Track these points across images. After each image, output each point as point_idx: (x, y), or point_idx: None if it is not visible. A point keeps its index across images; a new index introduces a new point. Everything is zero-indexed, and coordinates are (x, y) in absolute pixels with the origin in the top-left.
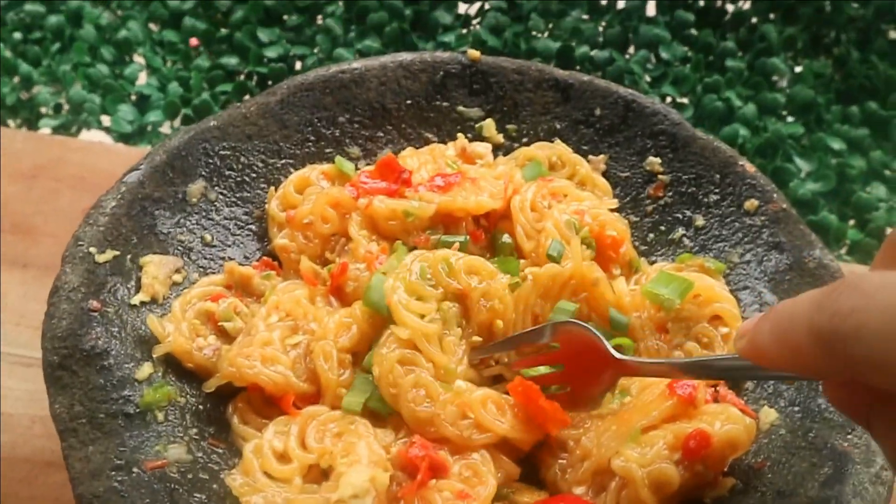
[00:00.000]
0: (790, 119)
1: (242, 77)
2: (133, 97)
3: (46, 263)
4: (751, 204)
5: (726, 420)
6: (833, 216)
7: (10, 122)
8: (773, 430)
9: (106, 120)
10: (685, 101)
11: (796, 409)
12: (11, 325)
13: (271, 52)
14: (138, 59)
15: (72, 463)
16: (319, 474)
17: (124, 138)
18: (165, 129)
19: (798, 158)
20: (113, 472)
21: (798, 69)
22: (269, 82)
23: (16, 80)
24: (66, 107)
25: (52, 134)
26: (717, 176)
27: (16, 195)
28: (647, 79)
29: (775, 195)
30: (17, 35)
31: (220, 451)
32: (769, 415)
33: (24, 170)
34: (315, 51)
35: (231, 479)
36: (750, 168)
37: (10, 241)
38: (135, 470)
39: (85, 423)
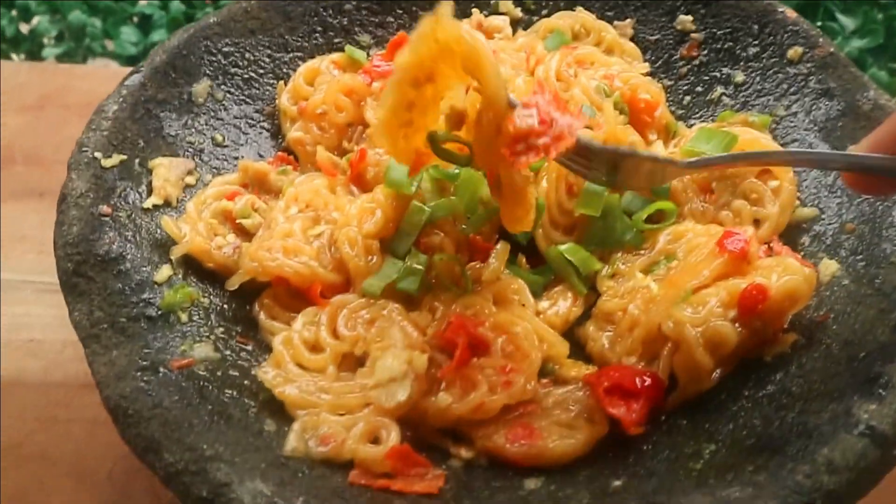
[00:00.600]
0: None
1: None
2: (135, 19)
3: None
4: (794, 52)
5: (784, 272)
6: (883, 73)
7: (14, 56)
8: (834, 282)
9: (110, 45)
10: None
11: (859, 257)
12: (34, 254)
13: None
14: None
15: (97, 368)
16: (353, 362)
17: (130, 61)
18: None
19: (841, 15)
20: (139, 373)
21: None
22: None
23: (13, 12)
24: (67, 34)
25: (56, 63)
26: (756, 27)
27: (25, 127)
28: None
29: (821, 40)
30: None
31: (249, 348)
32: (830, 266)
33: (31, 101)
34: None
35: (262, 373)
36: (791, 14)
37: (24, 172)
38: (161, 370)
39: (106, 328)
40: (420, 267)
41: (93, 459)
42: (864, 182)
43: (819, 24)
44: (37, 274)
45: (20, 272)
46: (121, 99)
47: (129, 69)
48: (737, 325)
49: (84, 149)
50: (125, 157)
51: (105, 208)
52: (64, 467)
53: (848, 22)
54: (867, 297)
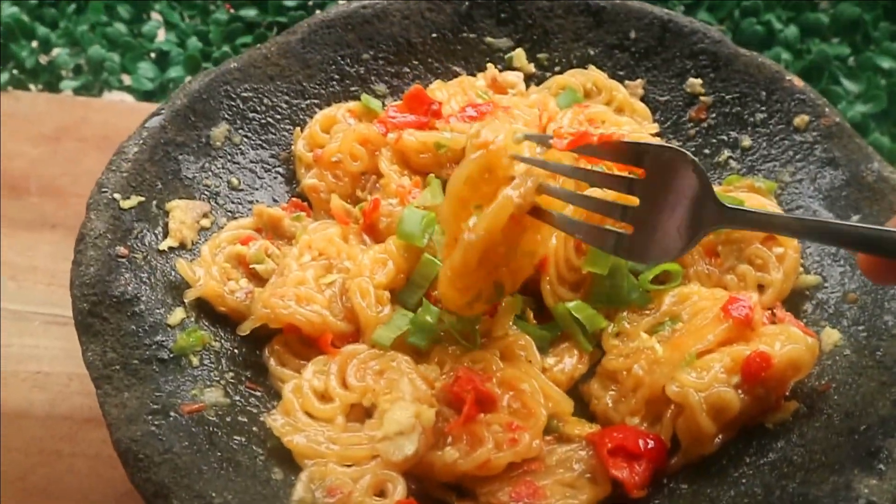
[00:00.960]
0: (835, 39)
1: (262, 28)
2: (152, 54)
3: (75, 224)
4: (801, 120)
5: (787, 340)
6: (885, 138)
7: (32, 87)
8: (836, 352)
9: (127, 79)
10: (722, 27)
11: (861, 328)
12: (44, 286)
13: (291, 1)
14: (156, 15)
15: (108, 410)
16: (362, 413)
17: (146, 96)
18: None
19: (845, 80)
20: (150, 417)
21: None
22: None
23: (34, 43)
24: (85, 67)
25: (73, 95)
26: (763, 93)
27: (41, 158)
28: (682, 7)
29: (827, 109)
30: None
31: (259, 394)
32: (832, 335)
33: (47, 132)
34: None
35: (272, 420)
36: (798, 83)
37: (38, 203)
38: (172, 414)
39: (119, 369)
40: (431, 321)
41: (95, 495)
42: (882, 268)
43: (823, 87)
44: (46, 306)
45: (30, 303)
46: (141, 140)
47: (145, 104)
48: (740, 391)
49: (104, 189)
50: (143, 198)
51: (122, 249)
52: (66, 503)
53: (852, 87)
54: (868, 369)
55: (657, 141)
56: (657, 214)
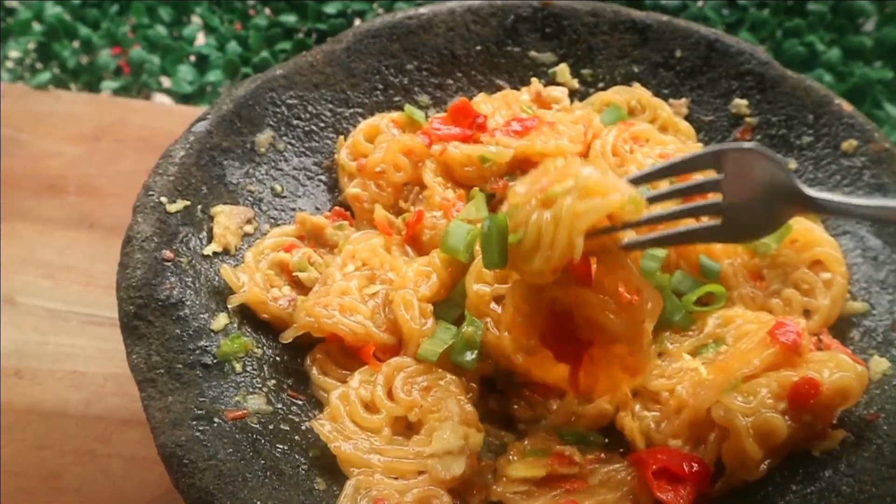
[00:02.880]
0: (878, 63)
1: (301, 34)
2: (192, 58)
3: (112, 224)
4: (849, 144)
5: (835, 368)
6: None
7: (72, 86)
8: (885, 381)
9: (166, 81)
10: (764, 48)
11: None
12: (81, 286)
13: (330, 8)
14: (196, 19)
15: (152, 413)
16: (404, 427)
17: (184, 99)
18: (225, 89)
19: (888, 104)
20: (194, 422)
21: (886, 10)
22: (329, 39)
23: (76, 43)
24: (126, 69)
25: (113, 96)
26: (811, 116)
27: (80, 157)
28: (723, 26)
29: (876, 135)
30: None
31: (300, 402)
32: (880, 364)
33: (86, 132)
34: (374, 6)
35: (319, 425)
36: (847, 107)
37: (76, 203)
38: (216, 420)
39: (163, 373)
40: (478, 339)
41: (129, 497)
42: None
43: (866, 111)
44: (83, 305)
45: (67, 302)
46: (188, 145)
47: (183, 107)
48: (787, 417)
49: (150, 192)
50: (189, 202)
51: (168, 253)
52: (100, 503)
53: (895, 111)
54: None
55: None
56: (742, 206)
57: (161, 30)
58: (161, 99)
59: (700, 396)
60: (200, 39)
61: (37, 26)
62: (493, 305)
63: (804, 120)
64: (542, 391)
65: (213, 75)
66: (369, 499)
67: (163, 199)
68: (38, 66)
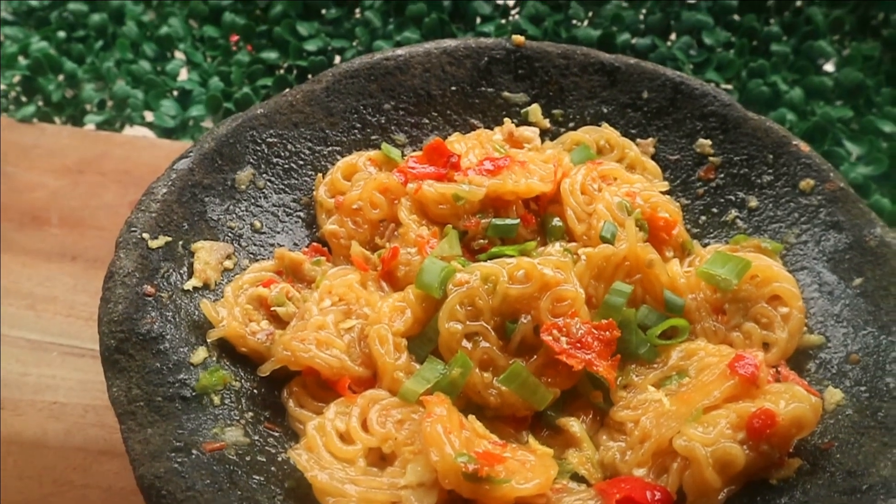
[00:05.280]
0: (838, 102)
1: (282, 71)
2: (175, 93)
3: (94, 256)
4: (806, 184)
5: (791, 399)
6: (886, 200)
7: (56, 119)
8: (839, 411)
9: (149, 115)
10: (730, 87)
11: (863, 388)
12: (62, 317)
13: (311, 46)
14: (179, 55)
15: (131, 445)
16: (378, 458)
17: (167, 133)
18: (207, 123)
19: (848, 142)
20: (173, 454)
21: (845, 52)
22: (309, 76)
23: (60, 77)
24: (109, 103)
25: (96, 130)
26: (771, 156)
27: (62, 190)
28: (691, 65)
29: (832, 174)
30: (62, 33)
31: (276, 434)
32: (834, 395)
33: (70, 165)
34: (354, 43)
35: (297, 455)
36: (804, 148)
37: (59, 235)
38: (194, 452)
39: (143, 405)
40: (463, 381)
41: None
42: None
43: (826, 149)
44: (65, 336)
45: (49, 334)
46: (170, 182)
47: (166, 141)
48: (745, 447)
49: (133, 229)
50: (170, 238)
51: (149, 288)
52: None
53: (854, 149)
54: (870, 430)
55: (667, 198)
56: None
57: (145, 65)
58: (144, 133)
59: (663, 427)
60: (183, 75)
61: (22, 60)
62: (464, 342)
63: (764, 159)
64: (514, 424)
65: (196, 110)
66: None
67: (145, 235)
68: (23, 99)
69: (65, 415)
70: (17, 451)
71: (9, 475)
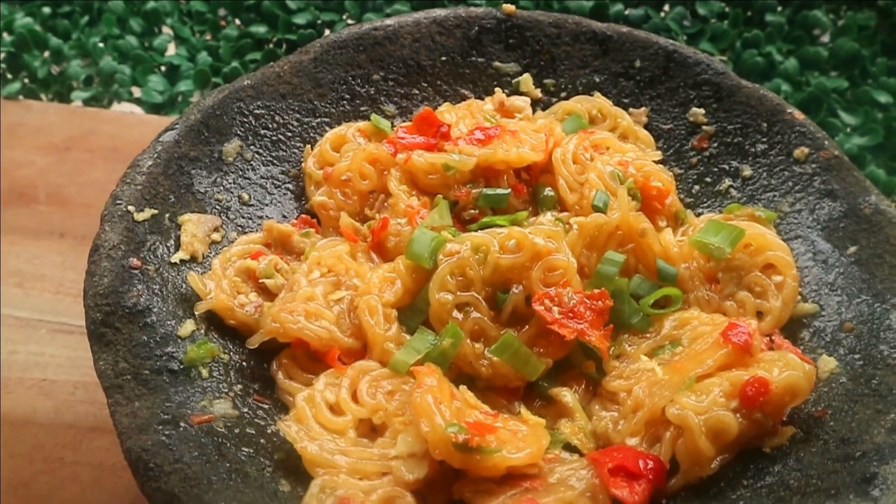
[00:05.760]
0: (833, 73)
1: (272, 45)
2: (163, 68)
3: (82, 233)
4: (801, 152)
5: (785, 367)
6: (881, 171)
7: (43, 96)
8: (832, 379)
9: (137, 91)
10: (724, 57)
11: (857, 356)
12: (51, 294)
13: (300, 19)
14: (167, 30)
15: (118, 419)
16: (368, 430)
17: (155, 109)
18: (196, 98)
19: (843, 113)
20: (160, 427)
21: (841, 22)
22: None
23: (46, 54)
24: (96, 79)
25: (83, 106)
26: (765, 125)
27: (50, 167)
28: (684, 36)
29: (826, 142)
30: (46, 9)
31: (266, 406)
32: (828, 363)
33: (57, 142)
34: (344, 17)
35: (285, 426)
36: (799, 116)
37: (46, 212)
38: (182, 424)
39: (130, 379)
40: (454, 352)
41: None
42: None
43: (821, 119)
44: (53, 314)
45: (37, 311)
46: (155, 154)
47: (154, 116)
48: (738, 415)
49: (118, 202)
50: (156, 211)
51: (135, 261)
52: None
53: (849, 119)
54: (864, 397)
55: (660, 168)
56: None
57: (132, 40)
58: (132, 109)
59: (656, 396)
60: (171, 50)
61: (7, 37)
62: (455, 313)
63: (758, 128)
64: (507, 395)
65: (184, 85)
66: (334, 498)
67: (130, 207)
68: (9, 76)
69: (54, 392)
70: (6, 429)
71: None
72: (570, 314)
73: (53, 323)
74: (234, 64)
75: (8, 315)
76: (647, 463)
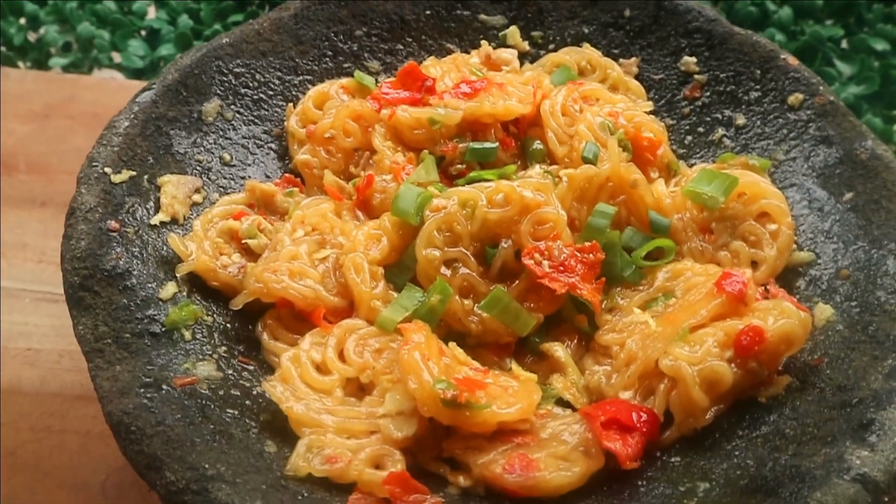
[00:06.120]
0: (829, 21)
1: (254, 6)
2: (143, 32)
3: (64, 201)
4: (795, 98)
5: (780, 315)
6: (878, 119)
7: (20, 64)
8: (829, 327)
9: (117, 57)
10: (717, 8)
11: (853, 303)
12: (34, 263)
13: None
14: None
15: (100, 383)
16: (356, 389)
17: (136, 74)
18: None
19: (839, 62)
20: (142, 390)
21: None
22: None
23: (22, 20)
24: (75, 45)
25: (63, 73)
26: (758, 72)
27: (30, 135)
28: None
29: (821, 88)
30: None
31: (251, 368)
32: (824, 311)
33: (36, 110)
34: None
35: (270, 386)
36: (793, 61)
37: (27, 181)
38: (164, 387)
39: (110, 343)
40: (442, 309)
41: (86, 472)
42: None
43: (816, 68)
44: (36, 283)
45: (20, 280)
46: (132, 115)
47: (136, 82)
48: (733, 365)
49: (94, 163)
50: (134, 173)
51: (113, 223)
52: (56, 478)
53: (845, 68)
54: (861, 344)
55: (651, 118)
56: None
57: (110, 5)
58: (112, 75)
59: (649, 349)
60: (151, 14)
61: None
62: (443, 269)
63: (752, 75)
64: (497, 352)
65: (165, 49)
66: (322, 457)
67: (107, 169)
68: None
69: (39, 361)
70: None
71: None
72: (561, 268)
73: (37, 292)
74: (217, 26)
75: None
76: (641, 416)
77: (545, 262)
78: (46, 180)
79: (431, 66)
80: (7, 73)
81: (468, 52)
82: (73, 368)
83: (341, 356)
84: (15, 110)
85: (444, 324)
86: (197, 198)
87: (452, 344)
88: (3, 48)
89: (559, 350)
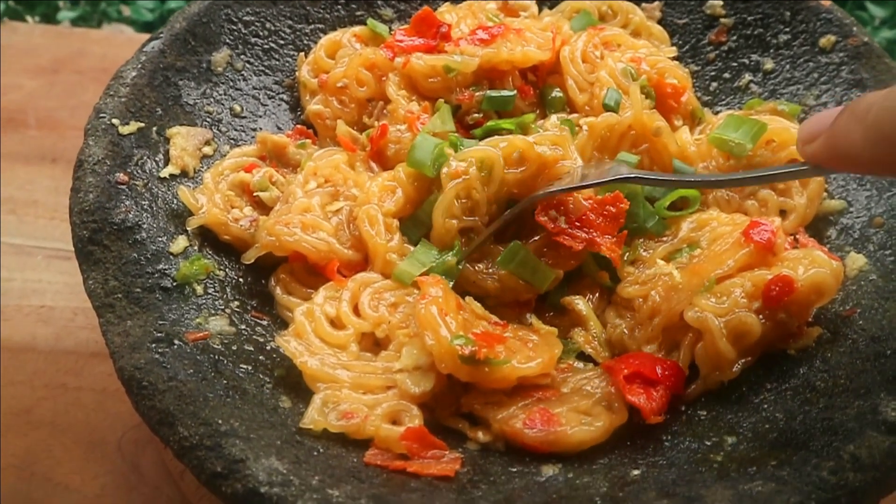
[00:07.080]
0: None
1: None
2: None
3: (75, 157)
4: (827, 41)
5: (811, 264)
6: None
7: (28, 18)
8: (861, 276)
9: (126, 10)
10: None
11: (888, 252)
12: (46, 220)
13: None
14: None
15: (111, 338)
16: (371, 344)
17: (146, 27)
18: None
19: (870, 4)
20: (153, 345)
21: None
22: None
23: None
24: None
25: (71, 27)
26: (787, 13)
27: (39, 90)
28: None
29: (854, 28)
30: None
31: (265, 323)
32: (857, 260)
33: (45, 64)
34: None
35: (284, 341)
36: (825, 2)
37: (37, 137)
38: (176, 342)
39: (121, 297)
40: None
41: (102, 429)
42: None
43: (848, 11)
44: (49, 240)
45: (32, 238)
46: (139, 65)
47: (145, 35)
48: (761, 316)
49: (101, 115)
50: (143, 124)
51: (122, 176)
52: (72, 435)
53: (878, 11)
54: (895, 293)
55: (675, 64)
56: None
57: None
58: (121, 28)
59: (673, 301)
60: None
61: None
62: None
63: (781, 17)
64: (517, 309)
65: (174, 2)
66: (337, 413)
67: (115, 121)
68: None
69: (53, 319)
70: (6, 356)
71: None
72: (578, 223)
73: (49, 249)
74: None
75: (2, 242)
76: (665, 369)
77: (561, 219)
78: (57, 136)
79: (447, 13)
80: (15, 27)
81: None
82: (88, 326)
83: (356, 310)
84: (24, 65)
85: (459, 287)
86: (207, 150)
87: (469, 298)
88: (11, 2)
89: (580, 303)
